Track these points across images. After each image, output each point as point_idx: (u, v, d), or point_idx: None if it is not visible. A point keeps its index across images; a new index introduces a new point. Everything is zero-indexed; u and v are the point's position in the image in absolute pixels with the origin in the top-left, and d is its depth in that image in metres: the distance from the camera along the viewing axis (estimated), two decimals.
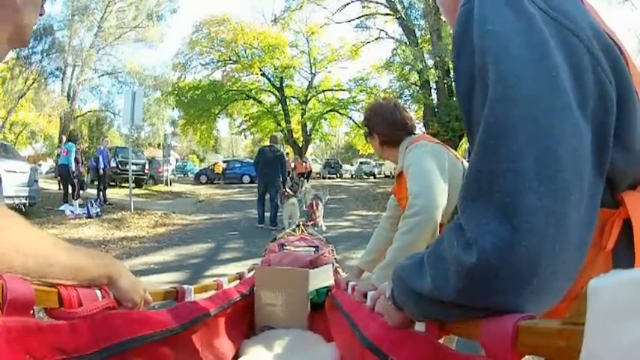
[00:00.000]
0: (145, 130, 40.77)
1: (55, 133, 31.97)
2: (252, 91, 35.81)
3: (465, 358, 0.80)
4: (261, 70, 34.53)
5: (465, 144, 19.55)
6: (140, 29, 33.48)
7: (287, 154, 24.36)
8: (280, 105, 35.59)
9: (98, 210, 11.90)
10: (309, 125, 36.13)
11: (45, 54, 29.99)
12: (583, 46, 0.73)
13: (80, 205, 12.09)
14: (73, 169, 12.16)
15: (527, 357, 0.62)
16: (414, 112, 26.58)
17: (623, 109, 0.76)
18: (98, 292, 1.02)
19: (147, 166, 22.45)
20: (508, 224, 0.61)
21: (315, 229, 9.05)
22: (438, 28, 22.48)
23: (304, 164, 23.62)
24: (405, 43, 26.60)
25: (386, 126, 2.41)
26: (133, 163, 14.88)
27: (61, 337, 0.88)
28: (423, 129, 21.79)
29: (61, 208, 12.08)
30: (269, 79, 35.62)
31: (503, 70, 0.68)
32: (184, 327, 1.42)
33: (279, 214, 10.56)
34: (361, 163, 39.14)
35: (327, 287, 2.61)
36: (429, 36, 24.51)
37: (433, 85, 24.37)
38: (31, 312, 0.82)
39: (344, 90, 35.15)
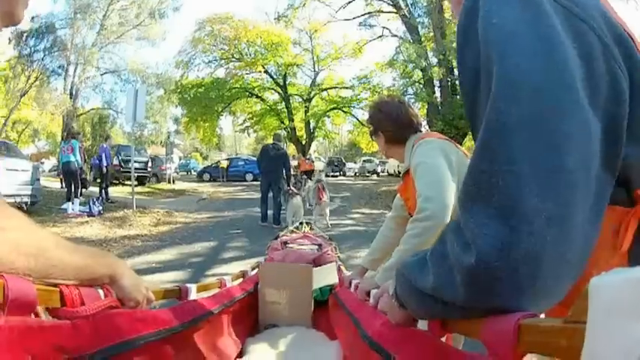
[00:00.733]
0: (148, 127, 40.70)
1: (58, 131, 32.08)
2: (256, 89, 35.76)
3: (467, 357, 0.81)
4: (264, 68, 34.45)
5: (468, 142, 19.53)
6: (143, 27, 33.42)
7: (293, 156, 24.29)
8: (283, 103, 35.51)
9: (100, 208, 11.91)
10: (313, 123, 36.12)
11: (47, 52, 30.03)
12: (594, 34, 0.71)
13: (82, 204, 12.09)
14: (81, 164, 12.18)
15: (530, 355, 0.62)
16: (417, 110, 26.51)
17: (636, 100, 0.73)
18: (100, 292, 1.02)
19: (150, 164, 22.54)
20: (507, 226, 0.60)
21: (321, 225, 9.07)
22: (442, 25, 22.48)
23: (308, 162, 23.52)
24: (409, 40, 26.54)
25: (391, 123, 2.35)
26: (135, 161, 14.91)
27: (63, 337, 0.88)
28: (427, 127, 21.78)
29: (64, 206, 12.09)
30: (272, 77, 35.54)
31: (507, 65, 0.66)
32: (187, 326, 1.42)
33: (282, 212, 10.54)
34: (364, 161, 39.22)
35: (330, 285, 2.62)
36: (432, 33, 24.47)
37: (437, 82, 24.31)
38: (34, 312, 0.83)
39: (347, 88, 34.97)
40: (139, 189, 17.38)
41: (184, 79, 35.37)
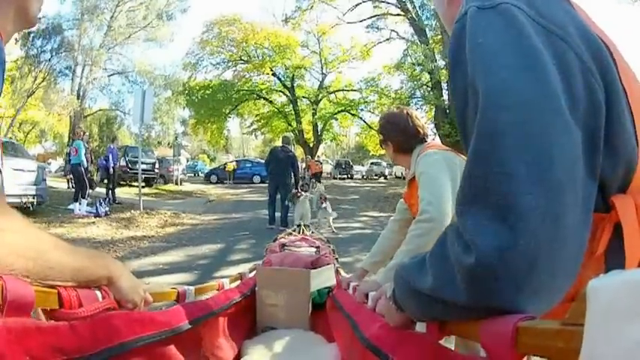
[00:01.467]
0: (156, 129, 40.79)
1: (65, 131, 32.37)
2: (263, 91, 35.88)
3: (465, 359, 0.80)
4: (272, 70, 34.60)
5: None
6: (150, 29, 33.62)
7: (302, 159, 24.24)
8: (291, 105, 35.60)
9: (107, 209, 11.99)
10: (320, 125, 36.17)
11: (54, 53, 30.25)
12: (573, 52, 0.77)
13: (89, 204, 12.17)
14: (86, 165, 12.25)
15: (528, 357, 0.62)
16: (425, 113, 26.56)
17: (612, 112, 0.79)
18: (98, 293, 1.03)
19: (157, 166, 22.64)
20: (505, 224, 0.63)
21: (325, 228, 9.07)
22: None
23: (318, 164, 23.40)
24: (417, 43, 26.54)
25: (399, 134, 2.51)
26: (142, 162, 14.95)
27: (60, 338, 0.89)
28: (435, 130, 21.77)
29: (70, 206, 12.18)
30: (280, 79, 35.68)
31: (494, 80, 0.72)
32: (185, 327, 1.42)
33: (289, 215, 10.56)
34: (372, 163, 39.28)
35: (328, 288, 2.63)
36: (440, 36, 24.46)
37: (444, 85, 24.26)
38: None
39: (355, 90, 35.02)
40: (146, 190, 17.45)
41: (192, 80, 35.62)
